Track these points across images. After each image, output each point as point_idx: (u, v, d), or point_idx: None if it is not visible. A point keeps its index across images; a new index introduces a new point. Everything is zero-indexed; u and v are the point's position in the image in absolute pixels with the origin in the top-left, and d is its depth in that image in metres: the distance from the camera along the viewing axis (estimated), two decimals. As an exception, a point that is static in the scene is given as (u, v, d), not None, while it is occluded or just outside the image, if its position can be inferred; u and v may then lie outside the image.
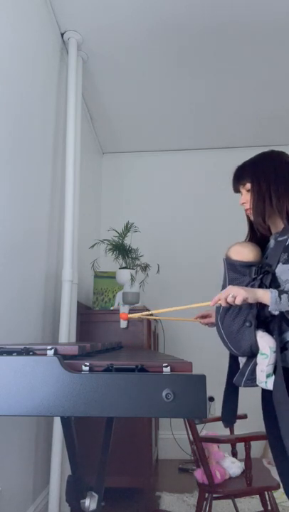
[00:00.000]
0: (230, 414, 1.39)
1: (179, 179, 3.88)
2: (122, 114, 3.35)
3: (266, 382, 1.20)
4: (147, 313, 1.51)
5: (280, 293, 1.18)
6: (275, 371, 1.21)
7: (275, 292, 1.19)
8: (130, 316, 1.44)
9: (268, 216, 1.37)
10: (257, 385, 1.25)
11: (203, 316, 1.54)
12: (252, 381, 1.26)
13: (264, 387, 1.21)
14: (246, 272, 1.32)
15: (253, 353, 1.25)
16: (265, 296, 1.20)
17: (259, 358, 1.23)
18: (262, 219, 1.37)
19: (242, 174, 1.43)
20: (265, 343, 1.22)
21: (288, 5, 2.29)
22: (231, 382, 1.34)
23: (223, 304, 1.24)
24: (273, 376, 1.20)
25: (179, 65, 2.78)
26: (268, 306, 1.20)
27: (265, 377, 1.21)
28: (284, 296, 1.17)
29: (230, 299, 1.21)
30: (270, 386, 1.19)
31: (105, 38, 2.53)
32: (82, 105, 2.86)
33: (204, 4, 2.28)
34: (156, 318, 1.44)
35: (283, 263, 1.27)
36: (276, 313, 1.23)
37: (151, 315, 1.51)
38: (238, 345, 1.27)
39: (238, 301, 1.19)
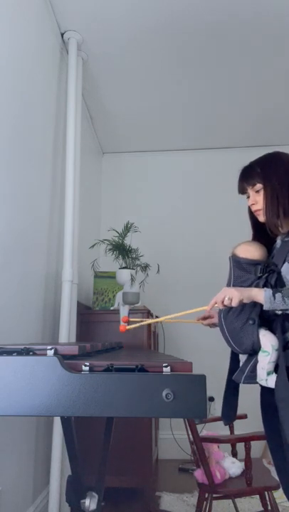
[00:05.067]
0: (230, 411, 1.39)
1: (179, 179, 3.88)
2: (122, 114, 3.35)
3: (267, 379, 1.21)
4: (147, 321, 1.42)
5: (275, 292, 1.19)
6: (276, 369, 1.21)
7: (269, 291, 1.20)
8: (129, 327, 1.37)
9: (283, 216, 1.35)
10: (257, 383, 1.25)
11: (205, 318, 1.54)
12: (252, 378, 1.26)
13: (264, 384, 1.22)
14: (252, 270, 1.33)
15: (254, 351, 1.26)
16: (260, 294, 1.21)
17: (260, 356, 1.24)
18: (277, 218, 1.34)
19: (251, 175, 1.39)
20: (267, 340, 1.23)
21: (288, 5, 2.29)
22: (231, 379, 1.35)
23: (220, 307, 1.25)
24: (274, 374, 1.20)
25: (179, 65, 2.78)
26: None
27: (265, 375, 1.21)
28: (278, 295, 1.18)
29: (226, 302, 1.22)
30: (270, 384, 1.20)
31: (105, 38, 2.53)
32: (82, 105, 2.85)
33: (204, 4, 2.28)
34: (157, 320, 1.41)
35: None
36: (279, 312, 1.24)
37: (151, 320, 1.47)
38: (240, 342, 1.28)
39: (234, 303, 1.21)
